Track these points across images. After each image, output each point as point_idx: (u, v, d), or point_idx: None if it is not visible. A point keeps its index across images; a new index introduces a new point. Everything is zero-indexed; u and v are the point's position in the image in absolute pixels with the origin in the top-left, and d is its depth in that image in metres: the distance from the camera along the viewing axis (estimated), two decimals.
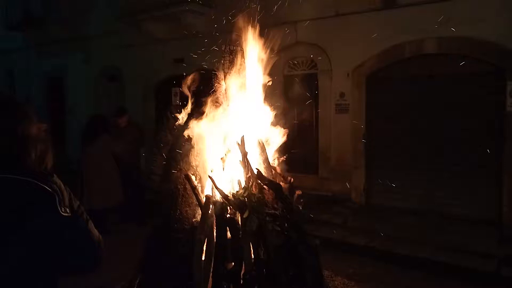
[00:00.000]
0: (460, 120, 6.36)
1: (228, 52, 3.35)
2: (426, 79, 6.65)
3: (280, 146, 3.54)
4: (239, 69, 3.36)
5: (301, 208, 3.20)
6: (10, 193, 1.29)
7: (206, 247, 2.70)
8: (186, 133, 3.10)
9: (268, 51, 3.54)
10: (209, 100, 3.23)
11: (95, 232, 1.47)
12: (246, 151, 3.00)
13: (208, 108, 3.19)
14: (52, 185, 1.35)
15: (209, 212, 2.80)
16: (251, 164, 2.99)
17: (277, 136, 3.51)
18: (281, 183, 3.10)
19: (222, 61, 3.36)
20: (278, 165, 3.51)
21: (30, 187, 1.30)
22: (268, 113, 3.51)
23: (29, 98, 12.97)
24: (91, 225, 1.48)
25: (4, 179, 1.29)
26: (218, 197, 2.86)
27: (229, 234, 2.77)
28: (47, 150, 1.45)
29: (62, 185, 1.42)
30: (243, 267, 2.67)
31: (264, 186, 2.95)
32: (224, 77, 3.31)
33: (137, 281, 2.94)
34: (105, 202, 5.43)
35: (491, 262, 4.73)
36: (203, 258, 2.66)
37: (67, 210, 1.36)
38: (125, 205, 6.16)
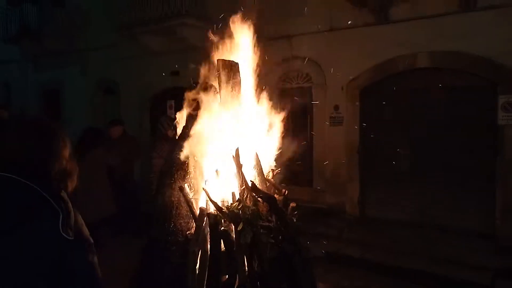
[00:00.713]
0: (453, 133, 6.42)
1: (223, 67, 3.39)
2: (420, 93, 6.74)
3: (275, 158, 3.56)
4: (234, 83, 3.40)
5: (295, 221, 3.22)
6: (11, 193, 1.32)
7: (200, 260, 2.70)
8: (181, 144, 3.12)
9: (263, 65, 3.61)
10: (204, 112, 3.27)
11: (98, 269, 1.44)
12: (241, 163, 3.02)
13: (203, 120, 3.23)
14: (58, 200, 1.35)
15: (203, 224, 2.81)
16: (245, 177, 3.01)
17: (272, 149, 3.54)
18: (275, 196, 3.12)
19: (218, 75, 3.40)
20: (273, 177, 3.53)
21: (32, 192, 1.32)
22: (263, 126, 3.54)
23: (24, 110, 12.95)
24: (95, 260, 1.45)
25: (9, 179, 1.32)
26: (212, 209, 2.87)
27: (223, 247, 2.77)
28: (72, 172, 1.55)
29: (71, 206, 1.41)
30: (237, 280, 2.67)
31: (259, 199, 2.97)
32: (220, 90, 3.35)
33: None
34: (97, 214, 5.43)
35: (486, 275, 4.74)
36: (197, 271, 2.66)
37: (70, 233, 1.33)
38: (120, 217, 6.13)
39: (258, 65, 3.61)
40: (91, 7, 10.95)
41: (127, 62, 10.36)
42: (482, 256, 5.29)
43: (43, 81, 12.66)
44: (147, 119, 10.60)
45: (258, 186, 3.00)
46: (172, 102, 9.66)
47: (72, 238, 1.34)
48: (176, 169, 3.07)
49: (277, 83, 8.11)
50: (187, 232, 2.91)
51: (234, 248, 2.74)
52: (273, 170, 3.54)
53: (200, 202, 3.01)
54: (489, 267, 4.92)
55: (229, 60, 3.36)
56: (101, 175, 5.57)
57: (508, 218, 5.91)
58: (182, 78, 9.10)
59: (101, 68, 11.08)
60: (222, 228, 2.83)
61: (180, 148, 3.11)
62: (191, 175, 3.07)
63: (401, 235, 6.19)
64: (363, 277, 4.88)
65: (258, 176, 3.20)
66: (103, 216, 5.51)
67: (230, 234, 2.78)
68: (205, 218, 2.82)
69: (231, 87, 3.32)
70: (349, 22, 7.08)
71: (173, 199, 2.96)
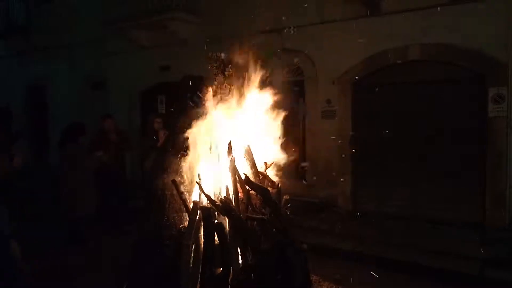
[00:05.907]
0: (444, 126, 6.48)
1: (214, 60, 3.38)
2: (411, 85, 6.77)
3: (268, 152, 3.56)
4: (226, 76, 3.39)
5: (288, 213, 3.22)
6: None
7: (193, 253, 2.69)
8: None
9: (254, 58, 3.59)
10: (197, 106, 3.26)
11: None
12: (234, 156, 3.01)
13: (197, 114, 3.21)
14: None
15: (197, 217, 2.80)
16: (238, 170, 3.00)
17: (266, 143, 3.53)
18: (269, 188, 3.12)
19: (210, 68, 3.39)
20: (266, 170, 3.53)
21: None
22: (256, 120, 3.54)
23: (9, 106, 12.72)
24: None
25: None
26: (205, 202, 2.86)
27: (217, 239, 2.76)
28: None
29: None
30: (231, 272, 2.67)
31: (252, 191, 2.96)
32: (212, 84, 3.34)
33: (124, 286, 2.91)
34: (81, 211, 5.40)
35: (475, 264, 4.80)
36: (190, 264, 2.65)
37: None
38: (108, 212, 6.12)
39: (249, 60, 3.60)
40: (79, 2, 10.75)
41: (116, 57, 10.23)
42: (472, 246, 5.35)
43: (29, 77, 12.44)
44: (138, 114, 10.48)
45: (251, 179, 2.99)
46: (163, 97, 9.58)
47: None
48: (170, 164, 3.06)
49: (268, 77, 8.06)
50: (181, 226, 2.90)
51: (228, 241, 2.73)
52: (266, 163, 3.53)
53: (193, 196, 3.00)
54: (478, 257, 4.98)
55: (220, 54, 3.36)
56: (82, 171, 5.51)
57: (497, 208, 6.00)
58: (172, 73, 9.02)
59: (89, 63, 10.92)
60: (216, 221, 2.82)
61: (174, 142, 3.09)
62: (184, 169, 3.05)
63: (393, 228, 6.23)
64: (355, 270, 4.90)
65: (251, 169, 3.19)
66: (87, 213, 5.47)
67: (224, 227, 2.77)
68: (199, 212, 2.81)
69: (224, 80, 3.31)
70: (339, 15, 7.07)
71: (166, 193, 2.95)
